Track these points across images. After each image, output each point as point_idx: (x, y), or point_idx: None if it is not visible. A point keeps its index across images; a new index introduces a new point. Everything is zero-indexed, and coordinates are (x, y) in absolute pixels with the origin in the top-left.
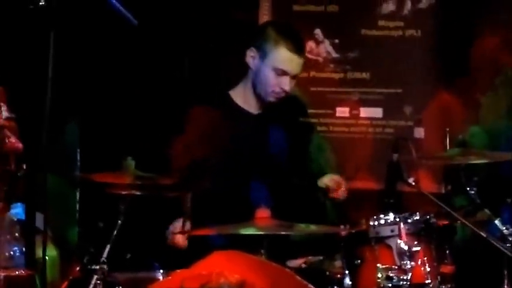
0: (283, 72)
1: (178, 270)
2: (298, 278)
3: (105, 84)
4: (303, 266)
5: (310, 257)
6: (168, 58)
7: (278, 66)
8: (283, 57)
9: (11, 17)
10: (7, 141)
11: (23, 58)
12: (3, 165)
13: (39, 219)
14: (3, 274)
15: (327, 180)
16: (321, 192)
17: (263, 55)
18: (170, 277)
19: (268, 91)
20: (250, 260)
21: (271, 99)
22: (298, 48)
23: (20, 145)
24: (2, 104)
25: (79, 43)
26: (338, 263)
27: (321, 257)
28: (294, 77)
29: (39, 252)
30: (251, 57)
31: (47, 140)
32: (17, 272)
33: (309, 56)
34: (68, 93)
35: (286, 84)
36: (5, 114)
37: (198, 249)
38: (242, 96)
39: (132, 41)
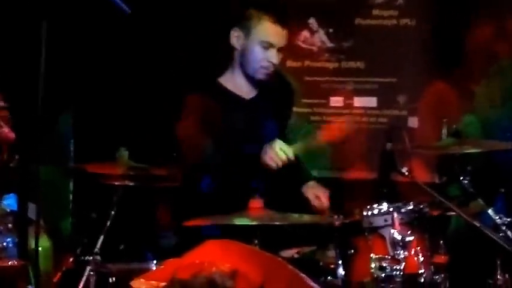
0: (269, 45)
1: (170, 259)
2: (291, 267)
3: (98, 75)
4: (296, 256)
5: (303, 247)
6: (160, 48)
7: (264, 39)
8: (267, 30)
9: (3, 7)
10: None
11: (15, 48)
12: None
13: (32, 210)
14: None
15: (310, 194)
16: (304, 201)
17: (247, 32)
18: (162, 266)
19: (257, 67)
20: (242, 249)
21: (261, 76)
22: (281, 20)
23: (12, 135)
24: None
25: (72, 33)
26: (331, 253)
27: (314, 247)
28: (279, 50)
29: (32, 243)
30: (235, 37)
31: (41, 130)
32: (9, 263)
33: (303, 45)
34: (62, 84)
35: (274, 57)
36: None
37: (191, 239)
38: (232, 81)
39: (125, 31)
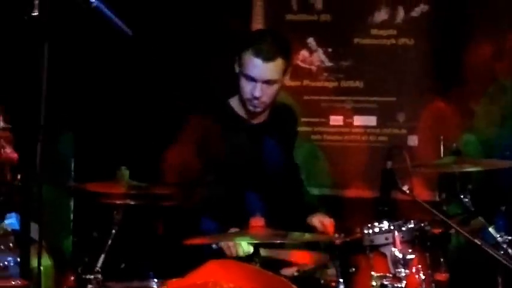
0: (251, 78)
1: (173, 280)
2: (294, 286)
3: (99, 94)
4: (296, 274)
5: (303, 266)
6: (163, 67)
7: (245, 72)
8: (248, 62)
9: (5, 27)
10: (2, 151)
11: (17, 68)
12: None
13: (34, 230)
14: None
15: (316, 222)
16: (309, 231)
17: (239, 62)
18: (165, 286)
19: (243, 98)
20: (245, 268)
21: (251, 108)
22: (263, 53)
23: (15, 155)
24: None
25: (73, 54)
26: (331, 271)
27: (313, 265)
28: (268, 83)
29: (33, 263)
30: (235, 64)
31: (43, 150)
32: (13, 282)
33: (302, 64)
34: (62, 103)
35: (257, 90)
36: (0, 124)
37: (193, 258)
38: (238, 104)
39: (126, 51)
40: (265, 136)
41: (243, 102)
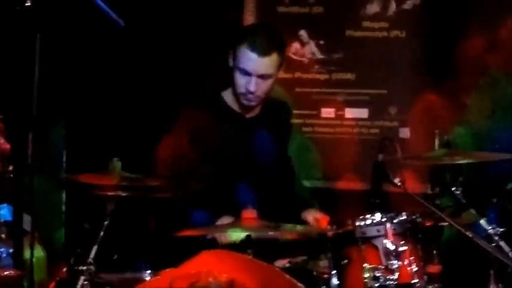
0: (245, 72)
1: (167, 270)
2: (287, 276)
3: (91, 85)
4: (287, 265)
5: (294, 257)
6: (155, 58)
7: (239, 66)
8: (243, 56)
9: None
10: None
11: (8, 60)
12: None
13: (26, 221)
14: None
15: (310, 218)
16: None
17: (234, 56)
18: (159, 276)
19: (237, 93)
20: (239, 259)
21: (245, 102)
22: (258, 47)
23: (8, 146)
24: None
25: (65, 44)
26: (323, 263)
27: (305, 257)
28: (263, 78)
29: (26, 254)
30: (229, 57)
31: (35, 141)
32: (6, 273)
33: (294, 57)
34: (54, 94)
35: (251, 85)
36: None
37: (185, 249)
38: (231, 98)
39: (119, 42)
40: (257, 129)
41: (236, 96)
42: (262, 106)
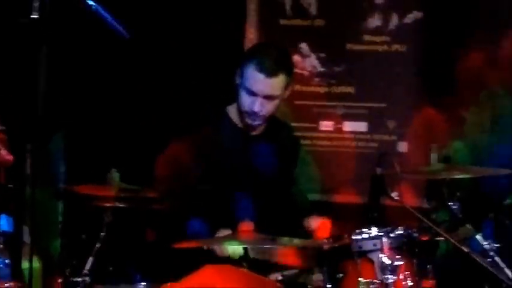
0: (251, 92)
1: (168, 284)
2: None
3: (91, 96)
4: (279, 278)
5: (286, 271)
6: (158, 70)
7: (246, 85)
8: (250, 76)
9: (1, 29)
10: None
11: (12, 70)
12: None
13: (24, 232)
14: None
15: (312, 225)
16: (306, 233)
17: (241, 74)
18: None
19: (242, 111)
20: (241, 274)
21: (249, 121)
22: (266, 68)
23: (11, 157)
24: None
25: (67, 56)
26: (317, 276)
27: (297, 270)
28: (269, 98)
29: (23, 264)
30: (236, 74)
31: (36, 153)
32: (6, 284)
33: (294, 69)
34: (54, 105)
35: (256, 105)
36: None
37: (183, 260)
38: (236, 113)
39: (120, 52)
40: (260, 143)
41: (240, 114)
42: (266, 125)
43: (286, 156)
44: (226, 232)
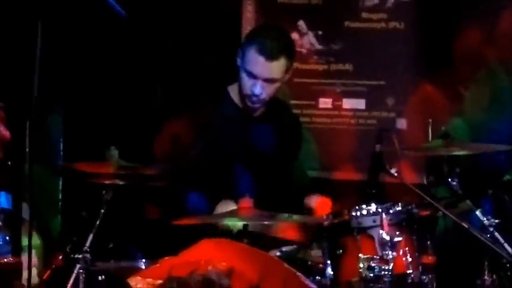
0: (252, 75)
1: (166, 258)
2: (286, 265)
3: (89, 74)
4: (278, 254)
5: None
6: (157, 48)
7: (246, 68)
8: (251, 58)
9: None
10: None
11: (8, 48)
12: None
13: (24, 210)
14: None
15: (312, 203)
16: (306, 211)
17: (242, 56)
18: (158, 264)
19: (243, 94)
20: (238, 247)
21: (249, 104)
22: (266, 51)
23: (8, 134)
24: None
25: (64, 33)
26: (315, 252)
27: (295, 246)
28: (269, 82)
29: (24, 241)
30: (238, 56)
31: (34, 130)
32: (5, 260)
33: None
34: (52, 83)
35: (257, 88)
36: None
37: (180, 238)
38: (236, 94)
39: (119, 32)
40: (261, 122)
41: (241, 95)
42: (266, 107)
43: (286, 136)
44: (227, 203)
